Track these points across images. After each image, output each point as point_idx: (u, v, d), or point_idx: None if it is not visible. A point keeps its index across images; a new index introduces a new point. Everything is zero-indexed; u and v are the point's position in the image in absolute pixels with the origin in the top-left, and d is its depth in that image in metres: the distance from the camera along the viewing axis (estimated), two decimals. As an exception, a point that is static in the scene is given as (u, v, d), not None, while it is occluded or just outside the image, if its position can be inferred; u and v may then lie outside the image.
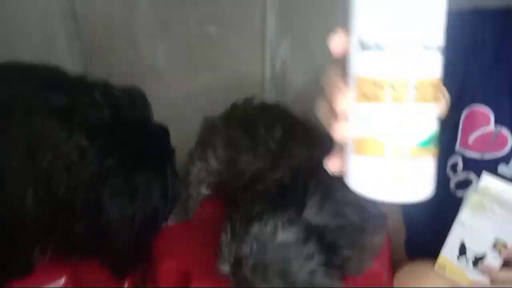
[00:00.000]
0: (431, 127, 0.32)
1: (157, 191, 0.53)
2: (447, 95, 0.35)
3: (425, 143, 0.32)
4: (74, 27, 1.01)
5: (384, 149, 0.31)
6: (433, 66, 0.32)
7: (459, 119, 0.74)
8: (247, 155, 0.68)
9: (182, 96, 1.09)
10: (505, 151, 0.72)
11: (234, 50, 1.04)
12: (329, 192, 0.57)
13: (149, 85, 1.06)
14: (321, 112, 0.35)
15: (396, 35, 0.30)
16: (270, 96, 1.10)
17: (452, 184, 0.77)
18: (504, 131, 0.71)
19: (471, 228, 0.64)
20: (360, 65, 0.31)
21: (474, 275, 0.65)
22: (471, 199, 0.62)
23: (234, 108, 0.79)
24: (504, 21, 0.70)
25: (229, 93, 1.08)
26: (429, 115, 0.32)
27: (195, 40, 1.02)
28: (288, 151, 0.66)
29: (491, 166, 0.73)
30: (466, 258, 0.65)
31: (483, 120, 0.71)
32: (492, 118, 0.71)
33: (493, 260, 0.63)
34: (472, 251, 0.64)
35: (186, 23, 1.00)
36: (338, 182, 0.58)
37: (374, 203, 0.34)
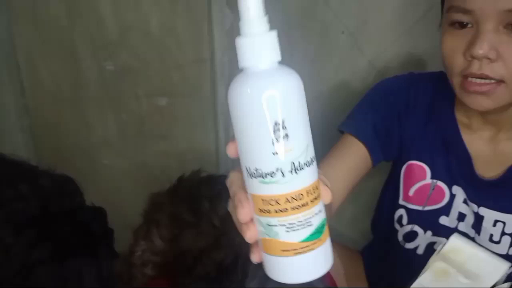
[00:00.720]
0: (317, 220, 0.37)
1: (90, 276, 0.50)
2: (327, 181, 0.39)
3: (313, 236, 0.36)
4: (22, 103, 1.00)
5: (280, 248, 0.37)
6: (308, 176, 0.36)
7: (399, 173, 0.77)
8: (191, 231, 0.67)
9: (135, 166, 1.08)
10: (443, 203, 0.75)
11: (186, 120, 1.05)
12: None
13: (101, 155, 1.07)
14: (232, 215, 0.39)
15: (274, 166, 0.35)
16: (226, 163, 1.10)
17: (400, 237, 0.79)
18: (440, 184, 0.74)
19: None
20: (251, 186, 0.36)
21: None
22: (434, 264, 0.60)
23: (180, 181, 0.78)
24: (435, 84, 0.74)
25: (183, 162, 1.08)
26: (312, 214, 0.36)
27: (146, 111, 1.03)
28: (231, 227, 0.65)
29: (433, 218, 0.76)
30: None
31: (420, 174, 0.74)
32: (429, 172, 0.74)
33: None
34: None
35: (136, 95, 1.01)
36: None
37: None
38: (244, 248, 0.61)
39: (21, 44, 0.96)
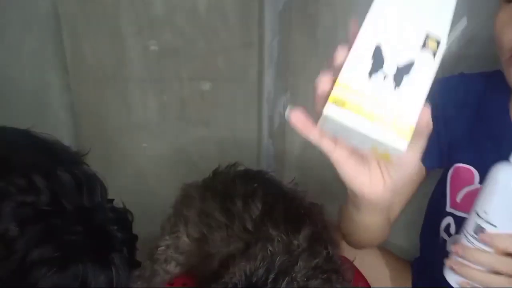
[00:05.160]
0: None
1: (96, 285, 0.46)
2: None
3: None
4: (65, 80, 0.98)
5: None
6: None
7: (446, 178, 0.73)
8: (220, 233, 0.62)
9: (174, 151, 1.04)
10: None
11: (229, 106, 1.00)
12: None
13: (140, 137, 1.04)
14: None
15: None
16: (267, 154, 1.04)
17: (448, 247, 0.73)
18: None
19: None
20: None
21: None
22: None
23: (215, 174, 0.73)
24: (487, 83, 0.71)
25: (223, 149, 1.04)
26: None
27: (188, 95, 0.98)
28: (265, 232, 0.59)
29: None
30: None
31: (468, 178, 0.70)
32: (477, 176, 0.69)
33: None
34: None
35: (179, 77, 0.97)
36: (314, 282, 0.50)
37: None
38: (278, 261, 0.56)
39: (66, 20, 0.93)
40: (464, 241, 0.55)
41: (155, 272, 0.64)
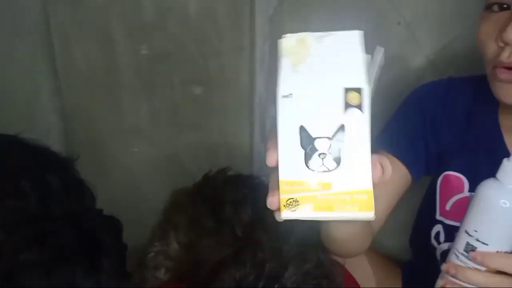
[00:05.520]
0: None
1: (85, 290, 0.46)
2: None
3: None
4: (55, 84, 0.98)
5: None
6: None
7: (436, 185, 0.72)
8: (210, 239, 0.61)
9: (166, 156, 1.04)
10: None
11: (221, 110, 1.00)
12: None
13: (132, 142, 1.04)
14: None
15: None
16: (259, 159, 1.04)
17: (438, 255, 0.74)
18: None
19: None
20: None
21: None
22: None
23: (205, 179, 0.72)
24: (476, 87, 0.70)
25: (215, 154, 1.03)
26: None
27: (179, 99, 0.98)
28: (254, 238, 0.59)
29: None
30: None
31: (457, 186, 0.69)
32: (467, 184, 0.69)
33: None
34: None
35: (170, 82, 0.96)
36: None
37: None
38: (268, 267, 0.55)
39: (56, 24, 0.93)
40: (455, 259, 0.54)
41: (144, 278, 0.64)
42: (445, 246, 0.72)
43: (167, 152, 1.03)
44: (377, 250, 0.90)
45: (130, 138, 1.02)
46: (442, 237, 0.72)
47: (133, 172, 1.04)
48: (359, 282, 0.77)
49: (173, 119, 1.00)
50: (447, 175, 0.70)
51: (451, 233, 0.70)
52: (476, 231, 0.51)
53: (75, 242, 0.47)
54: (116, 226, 0.53)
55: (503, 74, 0.58)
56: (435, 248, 0.74)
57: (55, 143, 0.98)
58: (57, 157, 0.57)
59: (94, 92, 0.98)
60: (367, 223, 0.62)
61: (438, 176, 0.71)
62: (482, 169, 0.66)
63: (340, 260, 0.74)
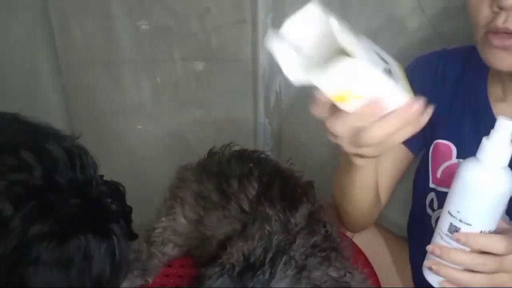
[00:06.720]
0: None
1: (99, 257, 0.46)
2: None
3: None
4: (55, 63, 0.96)
5: None
6: None
7: (428, 154, 0.73)
8: (217, 214, 0.61)
9: (169, 133, 1.03)
10: None
11: (224, 86, 0.98)
12: (301, 274, 0.49)
13: (135, 119, 1.03)
14: None
15: None
16: (264, 134, 1.03)
17: (433, 223, 0.74)
18: None
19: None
20: None
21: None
22: None
23: (210, 155, 0.72)
24: (465, 57, 0.70)
25: (219, 130, 1.02)
26: None
27: (181, 76, 0.97)
28: (261, 212, 0.59)
29: None
30: None
31: (446, 153, 0.70)
32: (454, 151, 0.69)
33: None
34: None
35: (171, 58, 0.95)
36: (313, 260, 0.50)
37: None
38: (275, 240, 0.55)
39: (53, 1, 0.91)
40: (440, 240, 0.53)
41: (152, 254, 0.64)
42: (439, 213, 0.72)
43: (170, 129, 1.02)
44: (383, 225, 0.90)
45: (133, 115, 1.01)
46: (435, 204, 0.73)
47: (136, 149, 1.04)
48: (367, 255, 0.77)
49: (176, 96, 0.99)
50: (437, 143, 0.70)
51: (444, 200, 0.70)
52: (458, 212, 0.50)
53: (83, 211, 0.46)
54: (119, 190, 0.53)
55: (497, 40, 0.56)
56: (430, 216, 0.74)
57: (56, 122, 0.95)
58: (57, 131, 0.56)
59: (94, 69, 0.96)
60: (377, 176, 0.62)
61: (430, 145, 0.72)
62: (469, 136, 0.67)
63: (348, 234, 0.74)
